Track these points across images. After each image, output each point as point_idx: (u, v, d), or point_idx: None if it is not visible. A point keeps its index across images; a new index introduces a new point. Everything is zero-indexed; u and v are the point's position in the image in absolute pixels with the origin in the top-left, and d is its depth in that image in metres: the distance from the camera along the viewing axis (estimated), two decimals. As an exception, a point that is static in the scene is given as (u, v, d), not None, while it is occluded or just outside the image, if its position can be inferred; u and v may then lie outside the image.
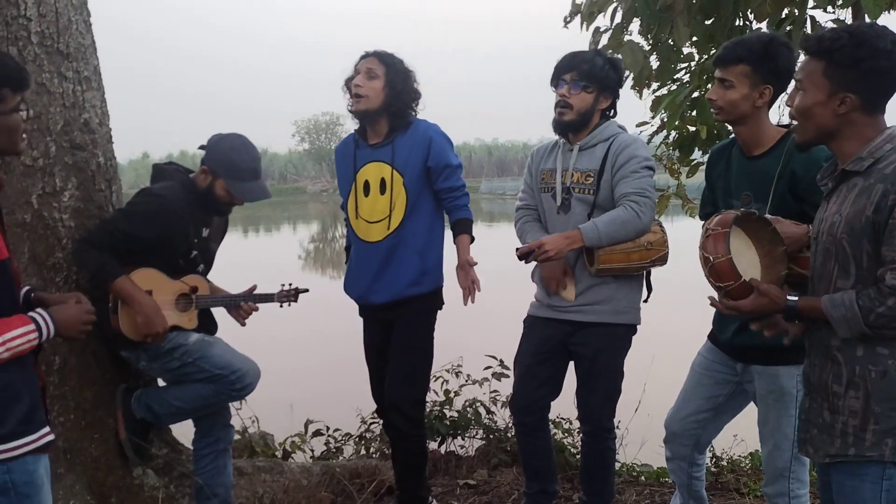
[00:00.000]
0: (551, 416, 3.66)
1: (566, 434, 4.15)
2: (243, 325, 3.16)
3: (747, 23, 4.21)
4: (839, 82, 1.84)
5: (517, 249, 2.94)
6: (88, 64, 3.03)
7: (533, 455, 3.25)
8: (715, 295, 2.13)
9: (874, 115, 1.86)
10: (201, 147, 2.99)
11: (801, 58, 1.96)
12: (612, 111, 3.10)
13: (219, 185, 2.93)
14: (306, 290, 3.31)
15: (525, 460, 3.31)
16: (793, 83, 2.04)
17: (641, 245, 2.92)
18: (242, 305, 3.12)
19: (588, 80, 2.96)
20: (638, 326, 3.11)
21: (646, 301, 3.12)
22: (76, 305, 2.02)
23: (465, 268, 3.13)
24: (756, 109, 2.53)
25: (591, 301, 3.01)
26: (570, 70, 2.98)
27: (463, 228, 3.20)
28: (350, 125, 3.37)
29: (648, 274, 3.10)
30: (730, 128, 2.85)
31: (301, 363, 7.75)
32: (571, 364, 3.16)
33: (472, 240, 3.21)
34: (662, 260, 3.00)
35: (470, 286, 3.12)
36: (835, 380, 1.88)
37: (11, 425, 1.88)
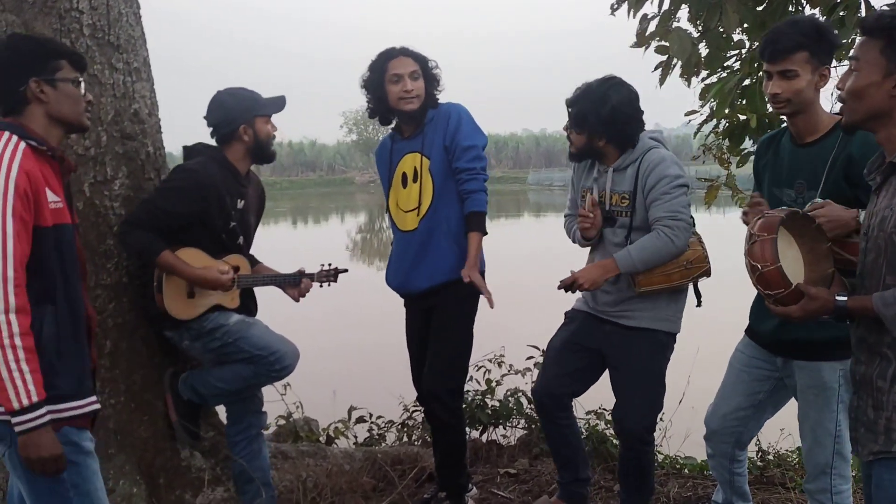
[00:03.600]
0: (592, 406, 3.65)
1: (608, 425, 4.12)
2: (297, 301, 3.22)
3: (800, 8, 4.11)
4: None
5: (559, 284, 2.94)
6: (138, 55, 3.10)
7: (560, 442, 3.23)
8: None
9: None
10: (213, 133, 3.03)
11: (858, 38, 1.91)
12: (630, 141, 2.97)
13: (259, 125, 2.99)
14: (345, 270, 3.35)
15: (553, 449, 3.30)
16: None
17: (681, 265, 2.89)
18: (302, 283, 3.19)
19: (576, 125, 2.99)
20: (677, 335, 3.06)
21: (698, 306, 3.06)
22: None
23: (473, 268, 3.09)
24: (817, 93, 2.46)
25: (634, 308, 2.98)
26: (567, 110, 3.03)
27: (473, 224, 3.14)
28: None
29: (696, 283, 3.03)
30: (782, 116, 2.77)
31: (345, 351, 7.84)
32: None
33: (485, 234, 3.17)
34: (706, 274, 2.97)
35: (480, 286, 3.11)
36: (880, 375, 1.83)
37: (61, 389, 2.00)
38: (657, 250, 2.82)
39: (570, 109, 3.01)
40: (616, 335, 3.01)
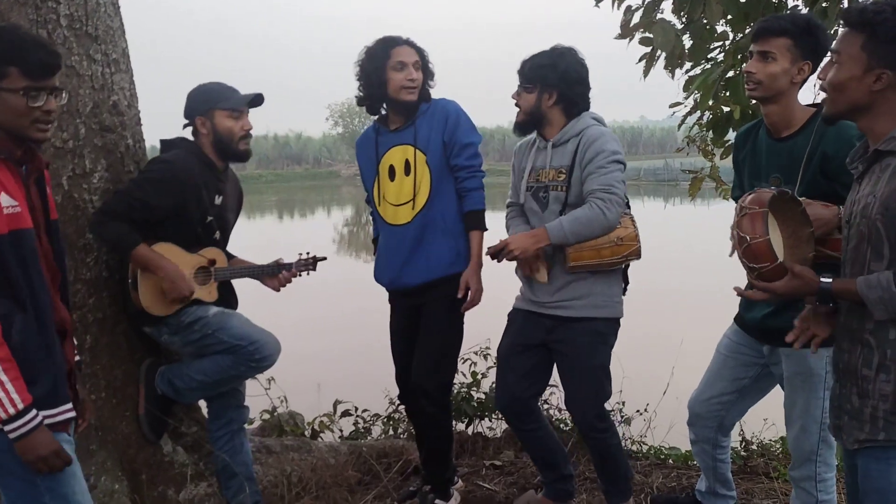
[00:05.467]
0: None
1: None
2: (278, 290, 3.21)
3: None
4: (878, 57, 1.78)
5: (488, 249, 2.94)
6: (117, 46, 3.06)
7: (536, 447, 3.22)
8: (743, 281, 2.09)
9: None
10: (185, 127, 3.02)
11: (840, 31, 1.90)
12: (577, 107, 3.00)
13: (218, 119, 2.94)
14: (324, 259, 3.34)
15: (530, 453, 3.30)
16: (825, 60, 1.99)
17: (612, 241, 2.88)
18: (280, 275, 3.18)
19: (527, 81, 2.99)
20: (621, 320, 3.05)
21: (623, 293, 3.07)
22: None
23: (474, 272, 3.11)
24: (792, 86, 2.47)
25: (568, 297, 2.98)
26: (519, 73, 3.02)
27: (473, 223, 3.15)
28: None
29: (626, 267, 3.05)
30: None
31: (331, 345, 7.82)
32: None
33: (486, 230, 3.16)
34: (636, 254, 2.96)
35: (472, 295, 3.10)
36: (865, 364, 1.84)
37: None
38: (588, 221, 2.82)
39: (522, 70, 3.00)
40: (557, 328, 3.01)
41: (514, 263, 3.03)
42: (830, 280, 1.89)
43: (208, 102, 2.95)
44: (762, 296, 2.01)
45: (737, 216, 2.02)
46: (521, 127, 3.08)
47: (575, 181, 2.93)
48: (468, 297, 3.12)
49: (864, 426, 1.84)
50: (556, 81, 2.95)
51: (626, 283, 3.09)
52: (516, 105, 3.05)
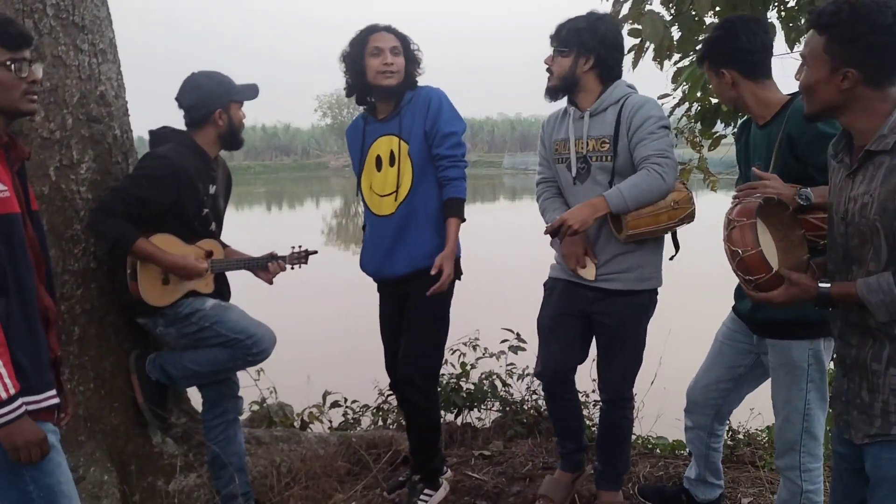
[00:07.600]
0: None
1: (582, 406, 4.16)
2: (270, 283, 3.20)
3: (770, -9, 4.12)
4: (839, 58, 1.78)
5: (545, 230, 2.90)
6: (104, 37, 3.04)
7: (567, 416, 3.24)
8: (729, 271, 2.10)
9: (883, 88, 1.78)
10: (186, 115, 2.98)
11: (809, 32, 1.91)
12: (612, 73, 2.96)
13: (234, 111, 2.98)
14: (315, 252, 3.34)
15: (558, 423, 3.30)
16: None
17: (668, 205, 2.86)
18: (270, 265, 3.17)
19: (562, 45, 2.93)
20: (659, 289, 3.07)
21: (671, 259, 3.07)
22: None
23: (448, 258, 3.06)
24: (735, 90, 2.55)
25: (616, 270, 2.97)
26: (554, 37, 2.98)
27: (452, 210, 3.10)
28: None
29: (675, 232, 3.04)
30: None
31: (321, 336, 7.82)
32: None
33: (463, 220, 3.13)
34: (690, 217, 2.94)
35: (442, 281, 3.05)
36: (874, 358, 1.82)
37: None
38: (648, 187, 2.78)
39: (557, 34, 2.94)
40: (600, 301, 3.01)
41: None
42: (829, 285, 1.87)
43: (227, 95, 2.95)
44: (762, 303, 2.00)
45: (726, 229, 2.00)
46: (553, 92, 3.01)
47: (622, 149, 2.88)
48: (439, 280, 3.07)
49: (874, 420, 1.83)
50: (594, 45, 2.89)
51: (677, 248, 3.08)
52: (548, 70, 2.98)
